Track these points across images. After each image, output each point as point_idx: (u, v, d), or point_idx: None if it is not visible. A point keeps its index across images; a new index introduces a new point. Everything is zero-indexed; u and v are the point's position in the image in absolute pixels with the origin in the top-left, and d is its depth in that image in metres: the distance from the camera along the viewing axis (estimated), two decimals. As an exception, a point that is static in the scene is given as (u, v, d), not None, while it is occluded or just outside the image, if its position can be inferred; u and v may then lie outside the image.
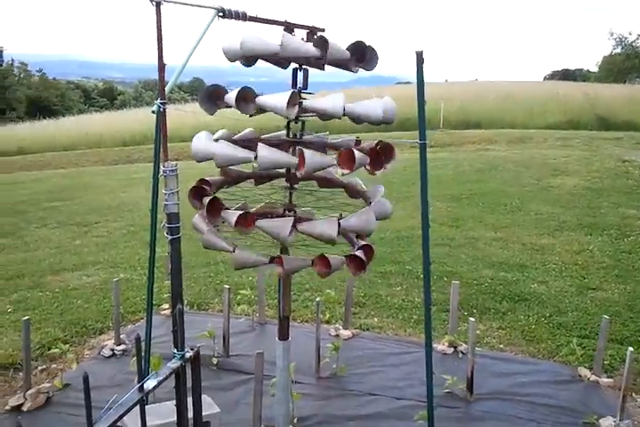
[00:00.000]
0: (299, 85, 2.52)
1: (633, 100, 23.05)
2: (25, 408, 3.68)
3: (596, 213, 8.73)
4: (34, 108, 48.84)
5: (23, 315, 4.55)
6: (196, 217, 2.54)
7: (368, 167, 2.39)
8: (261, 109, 2.37)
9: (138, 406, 2.05)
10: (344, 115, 2.38)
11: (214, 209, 2.37)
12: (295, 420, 3.48)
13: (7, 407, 3.70)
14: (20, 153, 23.79)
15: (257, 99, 2.33)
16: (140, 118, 26.16)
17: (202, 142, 2.41)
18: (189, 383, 2.40)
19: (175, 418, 2.41)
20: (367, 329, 4.96)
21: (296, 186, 2.64)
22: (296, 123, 2.55)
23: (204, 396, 3.57)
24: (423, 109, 2.91)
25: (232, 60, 2.50)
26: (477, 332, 4.78)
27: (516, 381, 4.05)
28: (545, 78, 62.87)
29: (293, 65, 2.52)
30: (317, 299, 4.31)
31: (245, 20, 2.57)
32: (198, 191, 2.49)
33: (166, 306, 5.22)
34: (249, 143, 2.48)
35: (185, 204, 2.38)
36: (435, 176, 11.79)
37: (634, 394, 3.86)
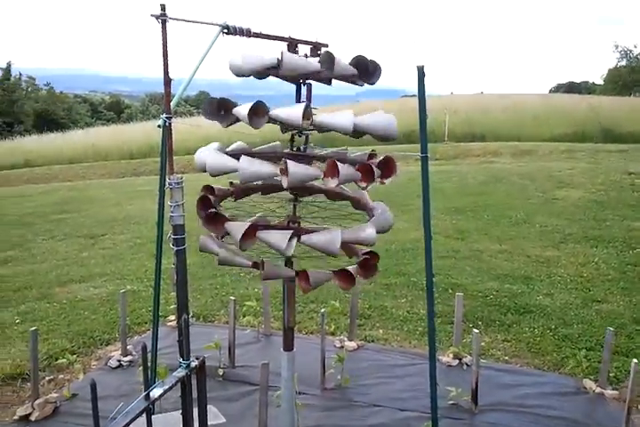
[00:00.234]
0: (302, 99, 2.57)
1: (638, 112, 23.07)
2: (33, 418, 3.71)
3: (602, 226, 8.73)
4: (41, 122, 49.20)
5: (31, 326, 4.60)
6: (202, 238, 2.57)
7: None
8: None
9: (144, 416, 2.09)
10: (354, 131, 2.41)
11: (217, 220, 2.40)
12: (300, 431, 3.50)
13: (15, 417, 3.73)
14: (28, 166, 24.00)
15: (270, 112, 2.36)
16: (146, 131, 26.35)
17: (214, 157, 2.44)
18: (195, 394, 2.42)
19: (181, 427, 2.43)
20: (372, 341, 4.98)
21: (300, 198, 2.69)
22: (299, 136, 2.60)
23: (210, 406, 3.60)
24: (425, 123, 2.96)
25: (238, 75, 2.54)
26: (482, 344, 4.80)
27: (520, 393, 4.05)
28: (550, 91, 63.04)
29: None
30: (322, 310, 4.34)
31: (249, 37, 2.63)
32: (206, 202, 2.52)
33: (172, 317, 5.25)
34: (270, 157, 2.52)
35: (190, 216, 2.42)
36: (439, 189, 11.85)
37: (639, 406, 3.86)
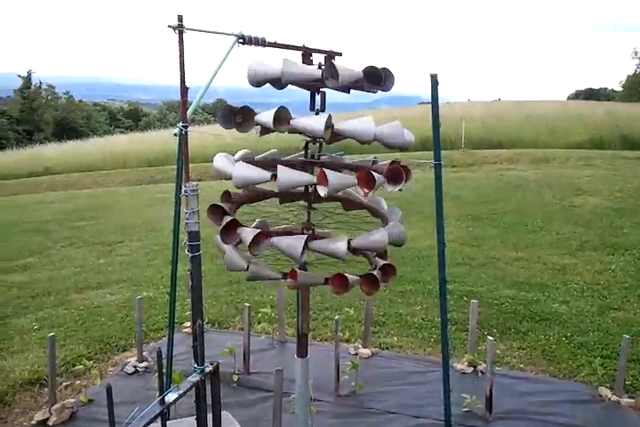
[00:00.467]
0: (316, 107, 2.59)
1: (657, 119, 22.88)
2: (50, 423, 3.75)
3: (619, 233, 8.68)
4: (61, 130, 49.83)
5: (48, 332, 4.65)
6: (227, 253, 2.56)
7: (385, 186, 2.43)
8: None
9: (159, 421, 2.12)
10: (374, 140, 2.43)
11: (230, 228, 2.42)
12: (314, 437, 3.51)
13: (33, 422, 3.78)
14: (47, 173, 24.27)
15: (292, 121, 2.38)
16: (163, 139, 26.58)
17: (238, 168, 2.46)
18: (209, 399, 2.45)
19: (195, 432, 2.46)
20: (387, 348, 4.98)
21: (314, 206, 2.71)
22: (314, 144, 2.62)
23: (225, 412, 3.63)
24: (438, 131, 2.98)
25: (253, 85, 2.57)
26: (497, 351, 4.79)
27: (535, 400, 4.03)
28: (569, 98, 62.66)
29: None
30: (336, 317, 4.36)
31: (265, 46, 2.67)
32: (219, 210, 2.55)
33: (188, 324, 5.29)
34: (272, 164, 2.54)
35: (207, 223, 2.44)
36: (456, 196, 11.84)
37: (655, 415, 3.83)
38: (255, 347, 4.72)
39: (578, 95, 62.40)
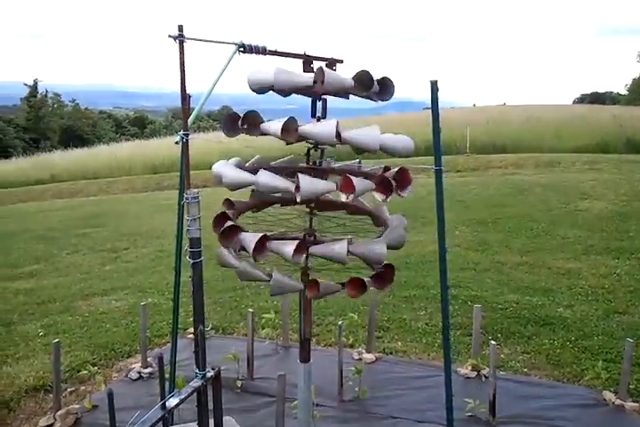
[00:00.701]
0: (317, 114, 2.61)
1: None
2: (54, 429, 3.78)
3: (624, 237, 8.65)
4: (67, 138, 50.06)
5: (54, 338, 4.66)
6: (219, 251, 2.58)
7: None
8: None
9: (161, 426, 2.13)
10: (380, 149, 2.44)
11: (233, 233, 2.43)
12: (317, 442, 3.52)
13: (37, 428, 3.81)
14: (53, 181, 24.37)
15: (299, 128, 2.39)
16: (169, 146, 26.60)
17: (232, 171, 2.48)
18: (212, 405, 2.46)
19: (197, 437, 2.48)
20: (390, 353, 4.98)
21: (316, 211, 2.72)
22: (315, 151, 2.64)
23: (228, 418, 3.65)
24: (439, 136, 2.99)
25: (258, 92, 2.59)
26: (502, 356, 4.79)
27: (539, 404, 4.03)
28: (574, 102, 62.59)
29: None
30: (340, 322, 4.36)
31: (265, 54, 2.69)
32: (223, 218, 2.56)
33: (192, 330, 5.30)
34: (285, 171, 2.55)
35: (210, 229, 2.45)
36: (460, 201, 11.83)
37: (660, 419, 3.82)
38: (259, 352, 4.73)
39: (583, 99, 62.29)
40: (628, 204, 11.10)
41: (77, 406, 4.01)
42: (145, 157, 26.45)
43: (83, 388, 4.44)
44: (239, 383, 4.32)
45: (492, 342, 3.84)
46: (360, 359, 4.72)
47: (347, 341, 5.05)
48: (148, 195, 18.12)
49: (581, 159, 17.63)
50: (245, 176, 2.42)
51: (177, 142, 2.65)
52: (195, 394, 2.37)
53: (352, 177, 2.31)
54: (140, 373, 4.58)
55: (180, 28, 2.73)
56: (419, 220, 9.45)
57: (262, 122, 2.49)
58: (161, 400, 2.16)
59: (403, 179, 2.45)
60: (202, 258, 2.44)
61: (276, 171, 2.56)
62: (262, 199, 2.81)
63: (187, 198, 2.40)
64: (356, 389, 4.18)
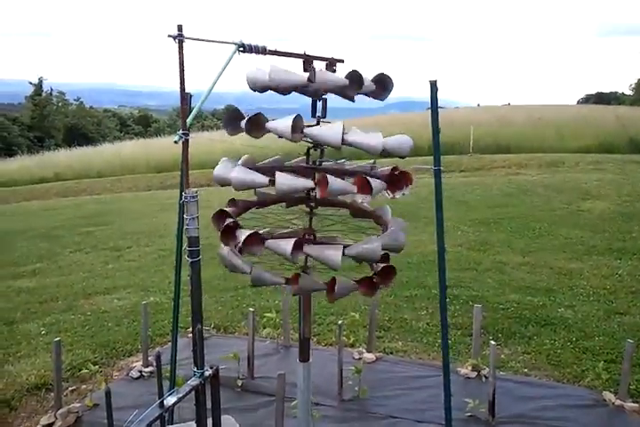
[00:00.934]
0: (318, 114, 2.62)
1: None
2: (55, 427, 3.80)
3: (626, 237, 8.65)
4: (71, 136, 50.15)
5: (55, 337, 4.69)
6: (224, 251, 2.58)
7: (388, 192, 2.45)
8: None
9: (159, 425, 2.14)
10: (383, 150, 2.45)
11: (231, 231, 2.44)
12: (316, 441, 3.52)
13: (39, 426, 3.82)
14: (57, 179, 24.44)
15: (305, 130, 2.40)
16: (172, 145, 26.36)
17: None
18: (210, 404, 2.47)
19: (195, 436, 2.48)
20: (391, 353, 4.99)
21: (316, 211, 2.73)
22: (315, 150, 2.64)
23: (227, 417, 3.66)
24: (438, 137, 3.00)
25: (259, 91, 2.60)
26: (502, 356, 4.80)
27: (539, 405, 4.03)
28: (578, 102, 62.45)
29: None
30: (340, 322, 4.37)
31: (265, 54, 2.69)
32: (223, 216, 2.56)
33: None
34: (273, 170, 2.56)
35: (212, 228, 2.46)
36: (463, 201, 11.83)
37: (659, 419, 3.82)
38: (260, 352, 4.75)
39: (588, 99, 62.12)
40: (630, 204, 11.10)
41: (78, 404, 4.03)
42: (149, 156, 26.49)
43: (84, 386, 4.46)
44: (239, 382, 4.33)
45: (492, 343, 3.85)
46: (360, 359, 4.72)
47: (347, 340, 5.05)
48: (152, 193, 18.15)
49: (585, 159, 17.62)
50: (256, 177, 2.42)
51: (176, 142, 2.65)
52: (193, 393, 2.37)
53: (369, 178, 2.32)
54: (141, 371, 4.59)
55: (180, 27, 2.73)
56: (421, 220, 9.45)
57: (267, 122, 2.49)
58: (159, 399, 2.17)
59: (402, 179, 2.46)
60: (200, 257, 2.44)
61: (292, 171, 2.58)
62: (265, 198, 2.82)
63: (185, 197, 2.40)
64: (356, 388, 4.19)
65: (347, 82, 2.43)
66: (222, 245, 2.54)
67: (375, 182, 2.35)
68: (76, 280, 7.64)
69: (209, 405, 2.46)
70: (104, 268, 8.30)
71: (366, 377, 4.25)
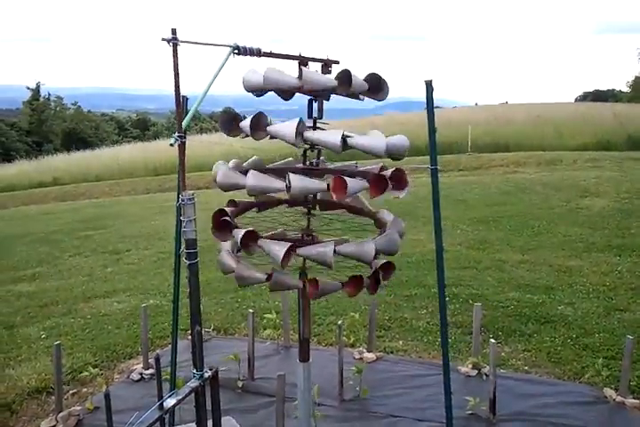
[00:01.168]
0: (314, 115, 2.62)
1: (665, 119, 22.82)
2: (56, 431, 3.80)
3: (626, 234, 8.65)
4: (69, 141, 50.15)
5: (56, 340, 4.69)
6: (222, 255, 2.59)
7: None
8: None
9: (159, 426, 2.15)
10: (386, 152, 2.45)
11: (225, 228, 2.43)
12: (318, 441, 3.53)
13: (40, 430, 3.83)
14: (56, 184, 24.47)
15: (305, 134, 2.41)
16: (170, 148, 26.53)
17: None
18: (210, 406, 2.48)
19: (196, 437, 2.49)
20: (391, 352, 4.99)
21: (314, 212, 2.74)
22: (312, 151, 2.65)
23: (228, 418, 3.66)
24: (434, 136, 3.00)
25: (252, 92, 2.61)
26: (503, 354, 4.80)
27: (540, 402, 4.03)
28: (576, 99, 62.47)
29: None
30: (339, 322, 4.38)
31: (260, 56, 2.70)
32: (220, 215, 2.56)
33: (194, 331, 5.32)
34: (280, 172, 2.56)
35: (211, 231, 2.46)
36: (462, 200, 11.85)
37: (660, 415, 3.82)
38: (260, 353, 4.75)
39: (585, 97, 62.13)
40: (629, 201, 11.10)
41: (79, 407, 4.03)
42: (147, 159, 26.53)
43: (84, 390, 4.46)
44: (240, 384, 4.34)
45: (492, 341, 3.85)
46: (361, 359, 4.73)
47: (348, 340, 5.05)
48: (150, 197, 18.16)
49: (583, 157, 17.63)
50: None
51: (171, 144, 2.67)
52: (193, 395, 2.38)
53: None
54: (141, 374, 4.60)
55: (174, 31, 2.74)
56: (420, 219, 9.46)
57: (268, 123, 2.50)
58: (158, 401, 2.17)
59: (399, 180, 2.45)
60: (198, 259, 2.44)
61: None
62: (266, 200, 2.83)
63: (182, 200, 2.41)
64: (357, 388, 4.19)
65: (335, 83, 2.43)
66: (221, 248, 2.55)
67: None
68: (76, 284, 7.64)
69: (209, 406, 2.46)
70: (103, 271, 8.30)
71: (367, 377, 4.25)
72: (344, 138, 2.36)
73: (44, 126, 52.49)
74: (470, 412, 3.87)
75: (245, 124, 2.47)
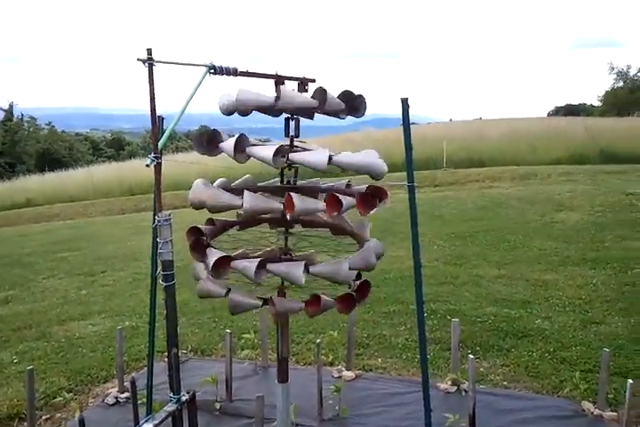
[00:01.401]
0: (291, 133, 2.63)
1: (636, 133, 23.23)
2: (29, 458, 3.71)
3: (600, 247, 8.75)
4: (43, 161, 49.60)
5: (28, 365, 4.59)
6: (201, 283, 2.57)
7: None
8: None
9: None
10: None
11: (200, 248, 2.42)
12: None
13: (12, 458, 3.73)
14: (29, 205, 24.17)
15: (290, 156, 2.40)
16: (146, 168, 26.48)
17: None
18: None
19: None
20: (370, 370, 4.96)
21: (292, 230, 2.74)
22: (289, 170, 2.65)
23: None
24: (411, 153, 3.02)
25: (225, 114, 2.61)
26: (481, 369, 4.80)
27: (519, 417, 4.03)
28: (549, 114, 63.39)
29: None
30: (318, 340, 4.35)
31: (236, 75, 2.70)
32: (195, 233, 2.54)
33: (171, 352, 5.25)
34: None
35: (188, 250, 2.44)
36: (438, 215, 11.91)
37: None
38: (238, 374, 4.69)
39: (558, 111, 63.09)
40: (602, 214, 11.24)
41: (53, 434, 3.95)
42: (122, 179, 26.36)
43: (58, 415, 4.36)
44: (218, 406, 4.27)
45: (471, 357, 3.84)
46: (340, 377, 4.69)
47: (326, 359, 5.02)
48: (126, 217, 18.01)
49: (557, 171, 17.87)
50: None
51: (147, 165, 2.65)
52: (170, 419, 2.34)
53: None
54: (117, 398, 4.50)
55: (149, 51, 2.73)
56: (397, 235, 9.46)
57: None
58: (134, 426, 2.13)
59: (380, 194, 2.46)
60: (175, 281, 2.42)
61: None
62: (249, 218, 2.81)
63: (158, 221, 2.39)
64: (336, 407, 4.16)
65: (315, 103, 2.45)
66: (197, 271, 2.53)
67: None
68: (50, 307, 7.51)
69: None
70: (78, 293, 8.18)
71: (346, 395, 4.22)
72: (330, 158, 2.37)
73: (18, 147, 51.84)
74: (450, 429, 3.85)
75: (228, 145, 2.46)
